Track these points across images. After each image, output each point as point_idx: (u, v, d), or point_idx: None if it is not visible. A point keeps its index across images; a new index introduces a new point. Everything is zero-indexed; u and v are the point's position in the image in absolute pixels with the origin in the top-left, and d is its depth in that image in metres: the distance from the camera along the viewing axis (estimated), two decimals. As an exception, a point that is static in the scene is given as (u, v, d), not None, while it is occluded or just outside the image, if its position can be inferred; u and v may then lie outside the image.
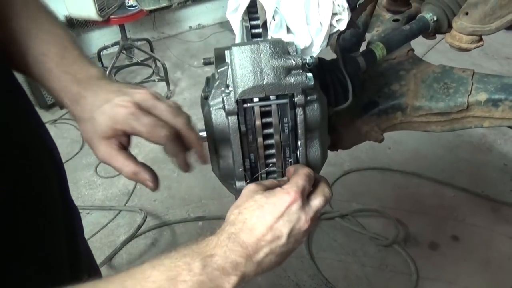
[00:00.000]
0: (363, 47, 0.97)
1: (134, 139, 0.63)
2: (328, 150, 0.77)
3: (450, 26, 0.91)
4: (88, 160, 2.68)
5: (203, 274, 0.48)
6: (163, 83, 3.29)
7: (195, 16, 4.28)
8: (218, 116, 0.62)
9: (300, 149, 0.62)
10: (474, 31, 0.85)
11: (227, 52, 0.60)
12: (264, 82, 0.57)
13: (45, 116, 2.88)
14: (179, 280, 0.47)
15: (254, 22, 0.70)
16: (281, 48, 0.58)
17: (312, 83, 0.58)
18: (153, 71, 3.48)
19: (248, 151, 0.61)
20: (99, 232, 2.16)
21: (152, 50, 3.48)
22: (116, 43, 3.25)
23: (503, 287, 1.87)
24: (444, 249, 2.04)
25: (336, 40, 0.78)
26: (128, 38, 3.23)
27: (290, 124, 0.60)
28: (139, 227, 2.12)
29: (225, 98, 0.58)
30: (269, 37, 0.68)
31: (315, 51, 0.68)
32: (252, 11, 0.70)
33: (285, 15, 0.67)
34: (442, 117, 0.91)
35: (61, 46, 0.63)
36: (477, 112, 0.88)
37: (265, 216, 0.52)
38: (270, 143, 0.62)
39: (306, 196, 0.56)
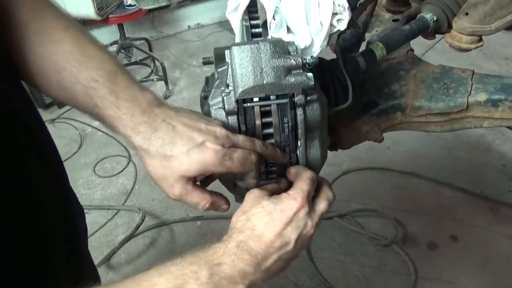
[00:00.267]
0: (362, 47, 0.97)
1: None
2: (328, 150, 0.77)
3: (450, 26, 0.91)
4: (86, 159, 2.67)
5: (210, 283, 0.47)
6: (162, 83, 3.29)
7: (194, 15, 4.27)
8: (218, 116, 0.61)
9: (300, 149, 0.62)
10: (474, 31, 0.85)
11: (227, 52, 0.60)
12: (264, 82, 0.57)
13: (44, 115, 2.87)
14: None
15: (254, 22, 0.69)
16: (281, 48, 0.58)
17: (313, 83, 0.58)
18: (152, 70, 3.48)
19: None
20: (97, 232, 2.16)
21: (150, 50, 3.48)
22: (114, 43, 3.24)
23: (501, 287, 1.88)
24: (443, 249, 2.04)
25: (336, 40, 0.78)
26: (126, 37, 3.22)
27: (290, 124, 0.60)
28: (138, 226, 2.11)
29: (225, 97, 0.58)
30: (269, 37, 0.68)
31: (315, 51, 0.68)
32: (252, 10, 0.70)
33: (286, 15, 0.67)
34: (442, 117, 0.91)
35: (110, 71, 0.59)
36: (476, 113, 0.88)
37: (274, 222, 0.52)
38: (270, 142, 0.62)
39: (311, 200, 0.56)
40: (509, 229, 2.09)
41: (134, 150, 0.59)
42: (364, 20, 1.07)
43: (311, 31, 0.67)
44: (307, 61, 0.59)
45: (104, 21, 2.91)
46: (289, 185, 0.60)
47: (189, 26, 4.30)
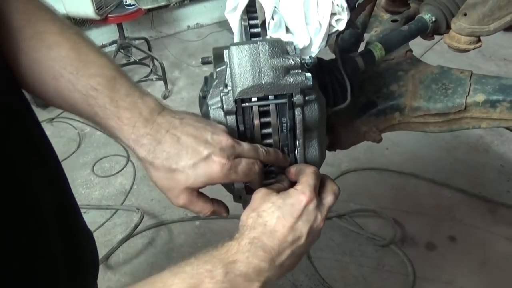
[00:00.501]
0: (361, 47, 0.97)
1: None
2: (326, 150, 0.77)
3: (448, 27, 0.92)
4: (85, 159, 2.67)
5: (226, 282, 0.47)
6: (161, 82, 3.29)
7: (193, 15, 4.27)
8: (217, 116, 0.61)
9: (298, 149, 0.62)
10: (473, 32, 0.85)
11: (225, 52, 0.60)
12: (263, 82, 0.57)
13: (42, 114, 2.86)
14: None
15: (253, 22, 0.69)
16: (280, 48, 0.58)
17: (311, 83, 0.57)
18: (151, 70, 3.47)
19: None
20: (96, 231, 2.15)
21: (150, 49, 3.48)
22: (113, 42, 3.24)
23: (499, 287, 1.88)
24: (441, 249, 2.04)
25: (335, 40, 0.78)
26: (126, 37, 3.22)
27: (288, 124, 0.60)
28: (136, 226, 2.11)
29: (223, 97, 0.58)
30: (268, 37, 0.68)
31: (314, 51, 0.68)
32: (251, 10, 0.70)
33: (284, 15, 0.67)
34: (440, 118, 0.91)
35: (109, 77, 0.57)
36: (475, 113, 0.88)
37: (285, 217, 0.52)
38: (268, 142, 0.62)
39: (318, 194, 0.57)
40: (507, 230, 2.10)
41: (138, 161, 0.58)
42: (363, 20, 1.07)
43: (310, 31, 0.67)
44: (306, 61, 0.59)
45: (103, 21, 2.91)
46: (291, 184, 0.60)
47: (188, 26, 4.30)
